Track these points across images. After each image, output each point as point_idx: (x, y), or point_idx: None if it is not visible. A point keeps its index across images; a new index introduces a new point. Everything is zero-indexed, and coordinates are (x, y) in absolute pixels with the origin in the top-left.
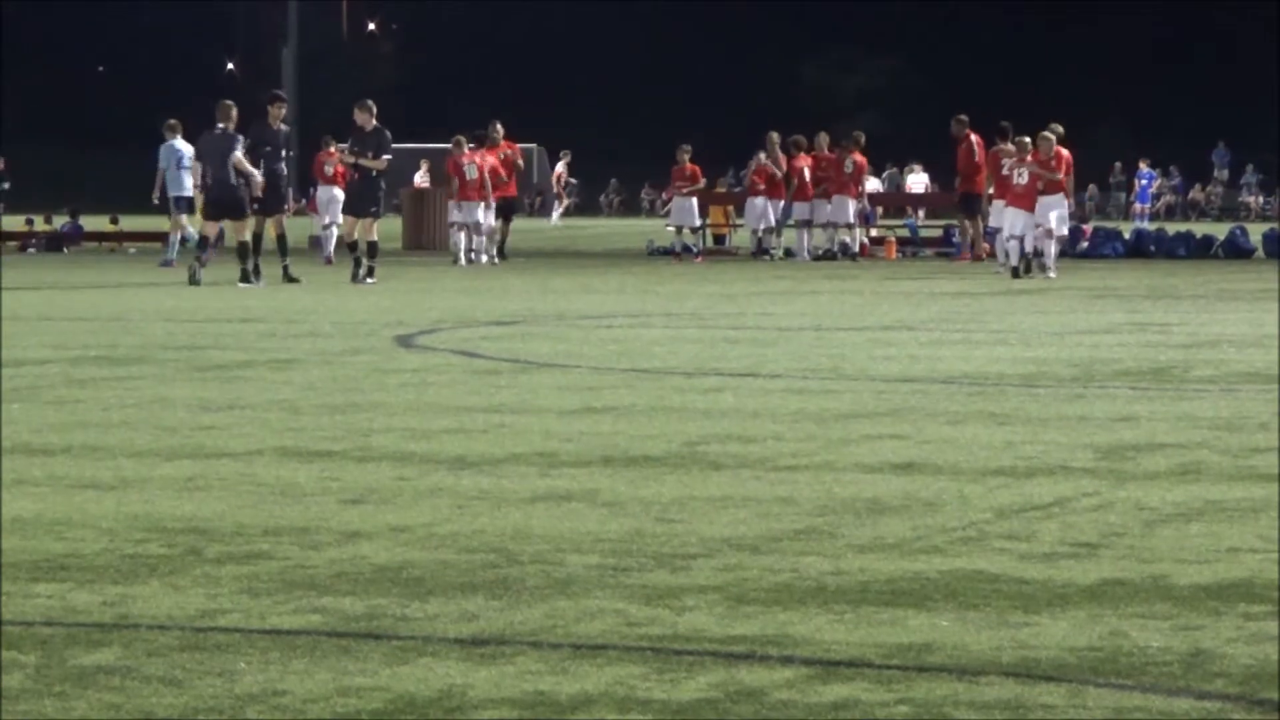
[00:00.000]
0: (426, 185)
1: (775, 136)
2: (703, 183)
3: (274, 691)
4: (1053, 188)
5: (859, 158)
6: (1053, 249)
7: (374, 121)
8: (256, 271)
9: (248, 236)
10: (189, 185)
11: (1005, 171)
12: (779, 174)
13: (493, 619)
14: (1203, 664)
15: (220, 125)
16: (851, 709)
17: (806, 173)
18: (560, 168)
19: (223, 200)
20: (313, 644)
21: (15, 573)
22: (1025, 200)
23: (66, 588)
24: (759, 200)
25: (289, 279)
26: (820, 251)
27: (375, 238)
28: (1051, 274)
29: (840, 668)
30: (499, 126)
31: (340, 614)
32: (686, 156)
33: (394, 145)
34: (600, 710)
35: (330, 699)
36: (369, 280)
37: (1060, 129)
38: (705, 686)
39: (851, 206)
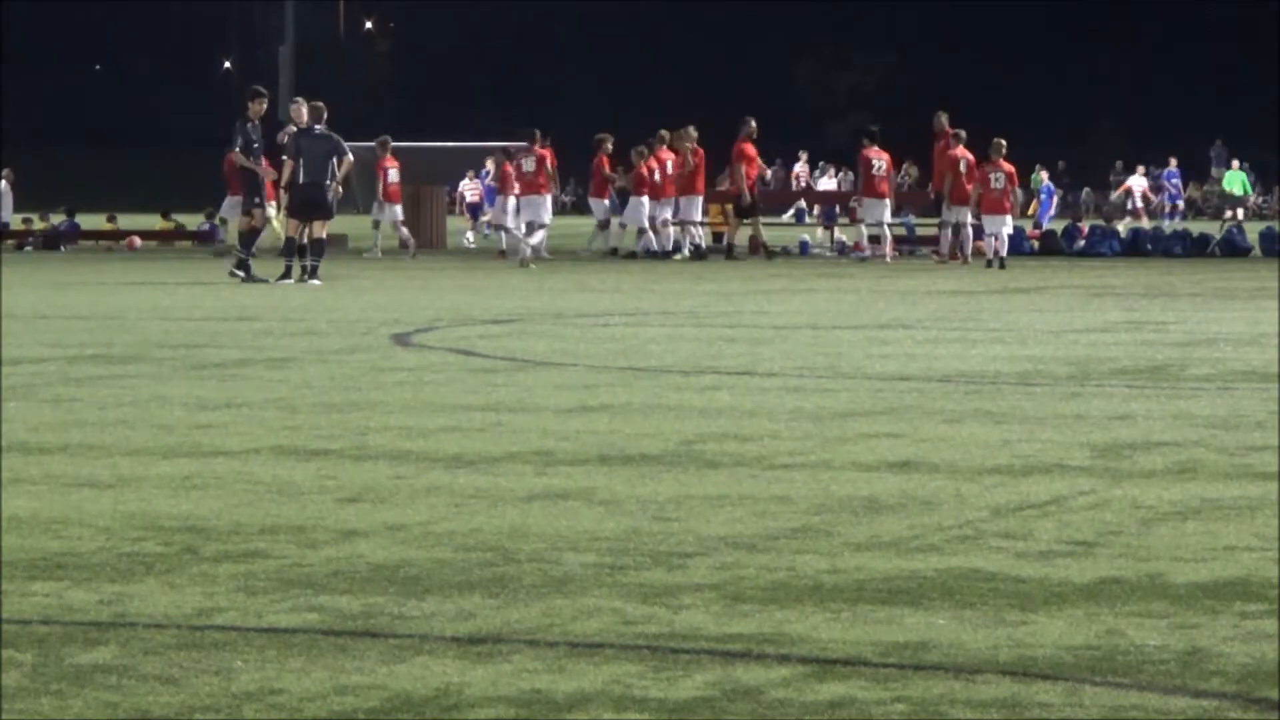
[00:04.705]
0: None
1: (665, 134)
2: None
3: (271, 690)
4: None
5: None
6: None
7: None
8: (288, 271)
9: (323, 234)
10: None
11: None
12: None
13: (489, 617)
14: (1199, 662)
15: (317, 126)
16: (848, 707)
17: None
18: (799, 167)
19: (316, 200)
20: (309, 642)
21: (12, 571)
22: (998, 204)
23: (63, 586)
24: (645, 199)
25: (247, 276)
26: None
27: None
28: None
29: (837, 666)
30: (692, 131)
31: (337, 612)
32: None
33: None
34: (597, 709)
35: (327, 697)
36: (314, 281)
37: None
38: (702, 685)
39: (698, 204)
